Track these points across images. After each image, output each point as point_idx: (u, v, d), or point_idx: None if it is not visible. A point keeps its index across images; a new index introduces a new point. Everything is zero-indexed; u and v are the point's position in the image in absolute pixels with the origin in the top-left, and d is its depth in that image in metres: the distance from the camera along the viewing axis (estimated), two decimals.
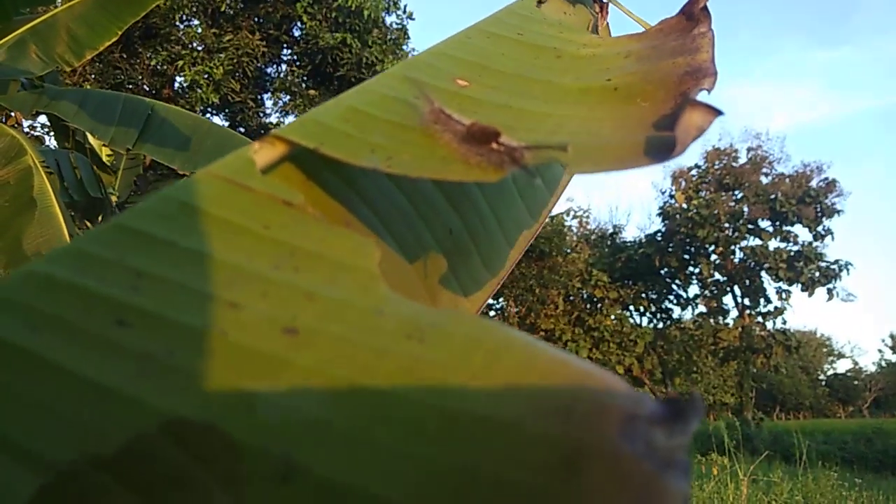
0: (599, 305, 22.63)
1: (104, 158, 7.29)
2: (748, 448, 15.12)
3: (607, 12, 0.86)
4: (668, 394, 0.33)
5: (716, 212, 24.06)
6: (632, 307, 24.27)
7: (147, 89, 13.39)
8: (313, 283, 0.39)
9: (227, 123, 14.21)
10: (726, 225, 24.61)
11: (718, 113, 0.46)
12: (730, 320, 24.87)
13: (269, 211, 0.43)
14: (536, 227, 0.72)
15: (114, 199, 7.15)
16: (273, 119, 16.13)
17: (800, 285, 23.75)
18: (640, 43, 0.66)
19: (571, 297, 22.44)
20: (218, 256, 0.40)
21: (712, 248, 24.46)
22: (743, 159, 25.41)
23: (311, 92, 14.27)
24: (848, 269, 23.78)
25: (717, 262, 24.98)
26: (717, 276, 24.98)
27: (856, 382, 46.77)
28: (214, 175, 0.45)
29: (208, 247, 0.40)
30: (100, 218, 6.10)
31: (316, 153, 0.47)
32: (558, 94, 0.58)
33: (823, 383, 45.89)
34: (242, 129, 14.36)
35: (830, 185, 24.21)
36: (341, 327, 0.36)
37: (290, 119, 15.23)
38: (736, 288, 24.85)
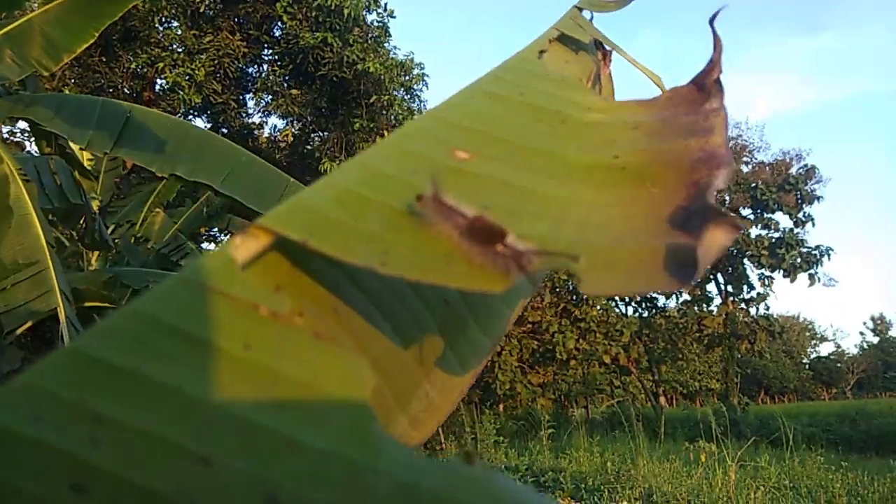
0: (585, 297, 22.71)
1: (85, 163, 7.25)
2: (735, 433, 15.28)
3: (610, 60, 0.83)
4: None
5: None
6: (617, 297, 24.37)
7: (127, 93, 13.29)
8: (296, 427, 0.34)
9: (209, 125, 14.13)
10: None
11: (741, 229, 0.43)
12: (714, 308, 25.06)
13: (251, 324, 0.39)
14: (537, 284, 0.68)
15: (96, 204, 7.11)
16: (255, 119, 16.05)
17: (782, 271, 23.97)
18: (649, 113, 0.62)
19: (557, 290, 22.51)
20: (189, 391, 0.35)
21: None
22: None
23: (294, 92, 14.22)
24: (829, 255, 24.04)
25: None
26: None
27: (839, 365, 47.31)
28: (188, 280, 0.40)
29: (178, 378, 0.35)
30: (81, 222, 6.07)
31: (304, 247, 0.42)
32: (562, 168, 0.55)
33: (807, 367, 46.38)
34: (225, 130, 14.31)
35: (810, 171, 24.42)
36: (329, 493, 0.32)
37: (273, 119, 15.09)
38: (719, 276, 25.04)
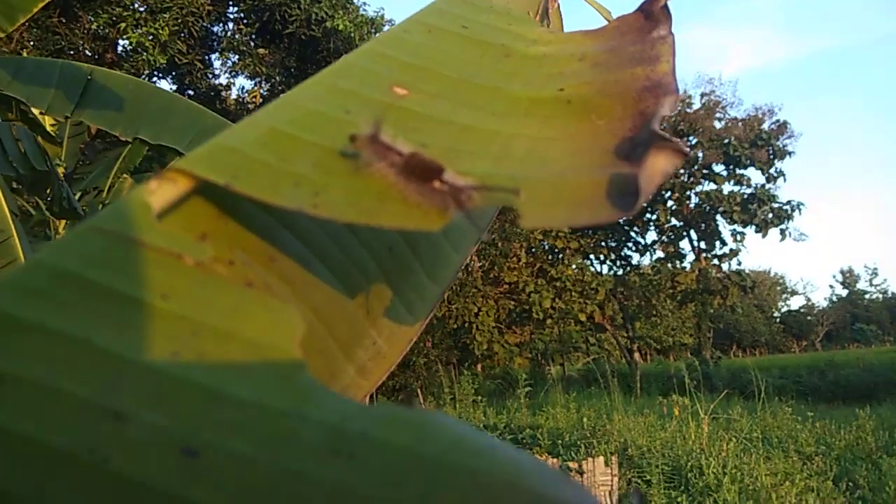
0: (561, 256, 22.85)
1: (48, 128, 7.06)
2: (707, 386, 15.61)
3: None
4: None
5: None
6: (592, 256, 24.56)
7: (89, 55, 12.88)
8: (220, 378, 0.32)
9: (175, 87, 13.80)
10: (682, 171, 24.93)
11: (685, 154, 0.41)
12: (687, 264, 25.39)
13: (169, 273, 0.36)
14: (484, 227, 0.66)
15: (61, 170, 6.94)
16: (223, 80, 15.71)
17: (754, 227, 24.30)
18: (596, 44, 0.60)
19: (533, 250, 22.62)
20: (99, 342, 0.32)
21: (668, 194, 24.78)
22: (697, 105, 25.62)
23: (261, 51, 13.91)
24: (800, 209, 24.37)
25: (674, 207, 25.36)
26: (674, 221, 25.38)
27: (809, 318, 48.35)
28: (99, 229, 0.37)
29: (86, 329, 0.33)
30: (48, 191, 5.92)
31: (227, 190, 0.39)
32: (506, 104, 0.52)
33: (778, 320, 47.35)
34: (192, 92, 13.98)
35: (782, 127, 24.61)
36: (253, 444, 0.30)
37: (241, 80, 14.79)
38: (692, 232, 25.31)
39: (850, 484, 7.02)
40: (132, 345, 0.33)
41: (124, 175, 8.04)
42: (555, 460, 6.50)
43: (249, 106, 15.36)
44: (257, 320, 0.35)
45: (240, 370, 0.33)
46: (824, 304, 52.40)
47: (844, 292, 51.05)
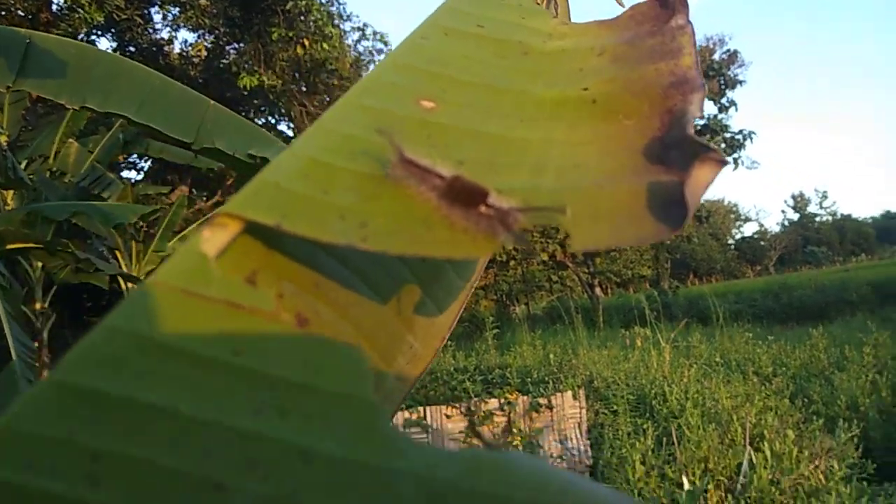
0: None
1: None
2: (667, 316, 16.03)
3: None
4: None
5: None
6: None
7: (22, 14, 12.22)
8: (306, 433, 0.32)
9: (114, 45, 13.24)
10: None
11: (725, 164, 0.41)
12: None
13: (236, 325, 0.36)
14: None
15: (4, 139, 6.68)
16: (164, 34, 15.12)
17: None
18: (612, 36, 0.59)
19: None
20: (185, 410, 0.32)
21: None
22: None
23: (202, 2, 13.39)
24: (751, 138, 24.77)
25: None
26: None
27: (762, 243, 49.60)
28: (164, 285, 0.37)
29: (172, 398, 0.33)
30: None
31: (278, 230, 0.39)
32: (532, 108, 0.52)
33: (732, 247, 48.47)
34: (133, 49, 13.45)
35: (732, 56, 24.78)
36: (353, 502, 0.30)
37: (184, 34, 14.23)
38: None
39: (806, 400, 7.36)
40: (216, 408, 0.33)
41: (70, 139, 7.78)
42: (525, 397, 6.67)
43: (194, 59, 14.84)
44: (331, 369, 0.35)
45: (324, 425, 0.33)
46: (777, 228, 53.76)
47: (796, 216, 52.39)
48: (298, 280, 0.42)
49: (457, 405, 6.49)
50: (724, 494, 5.40)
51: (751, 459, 5.50)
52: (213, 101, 5.06)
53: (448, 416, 6.44)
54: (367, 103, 0.50)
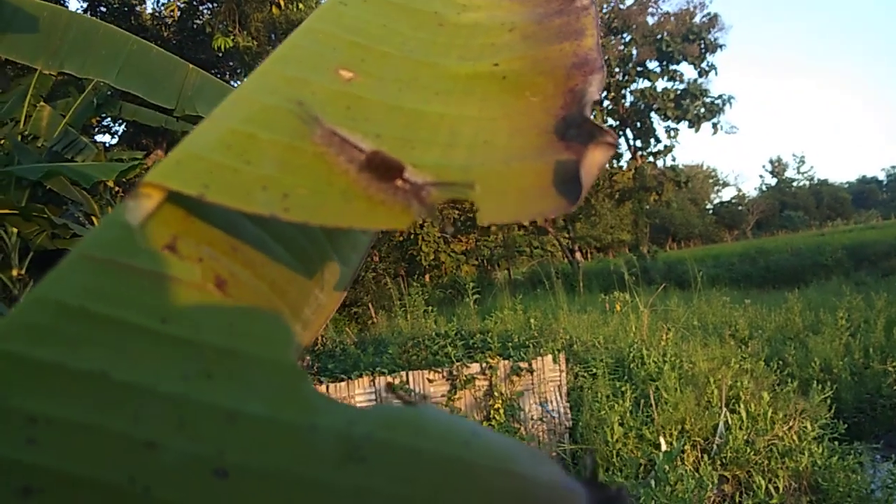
0: None
1: None
2: (646, 280, 16.19)
3: None
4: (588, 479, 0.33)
5: (606, 57, 24.22)
6: None
7: None
8: (232, 396, 0.34)
9: (85, 5, 12.87)
10: (616, 70, 24.91)
11: (617, 145, 0.44)
12: (623, 163, 25.78)
13: (163, 296, 0.37)
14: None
15: None
16: None
17: (687, 122, 24.70)
18: (524, 11, 0.61)
19: None
20: (117, 376, 0.34)
21: (605, 94, 24.83)
22: (630, 1, 25.36)
23: None
24: (730, 102, 24.81)
25: (610, 107, 25.48)
26: (611, 121, 25.57)
27: (740, 208, 50.08)
28: (89, 257, 0.38)
29: (103, 363, 0.34)
30: None
31: (201, 201, 0.40)
32: (447, 81, 0.54)
33: (711, 212, 48.92)
34: (104, 9, 13.09)
35: (713, 20, 24.66)
36: (275, 459, 0.32)
37: None
38: (628, 131, 25.59)
39: (781, 362, 7.50)
40: (146, 373, 0.34)
41: (41, 103, 7.59)
42: (506, 362, 6.73)
43: (167, 20, 14.47)
44: (254, 335, 0.37)
45: (248, 387, 0.35)
46: (754, 193, 54.20)
47: (774, 181, 52.83)
48: (216, 244, 0.43)
49: (439, 370, 6.54)
50: (700, 455, 5.51)
51: (726, 421, 5.61)
52: (192, 66, 4.96)
53: (430, 381, 6.48)
54: (287, 73, 0.51)
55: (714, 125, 25.10)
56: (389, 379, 6.29)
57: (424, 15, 0.61)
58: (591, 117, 0.47)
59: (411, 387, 6.35)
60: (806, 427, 5.38)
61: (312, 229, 0.54)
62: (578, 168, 0.42)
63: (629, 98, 25.50)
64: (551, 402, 6.67)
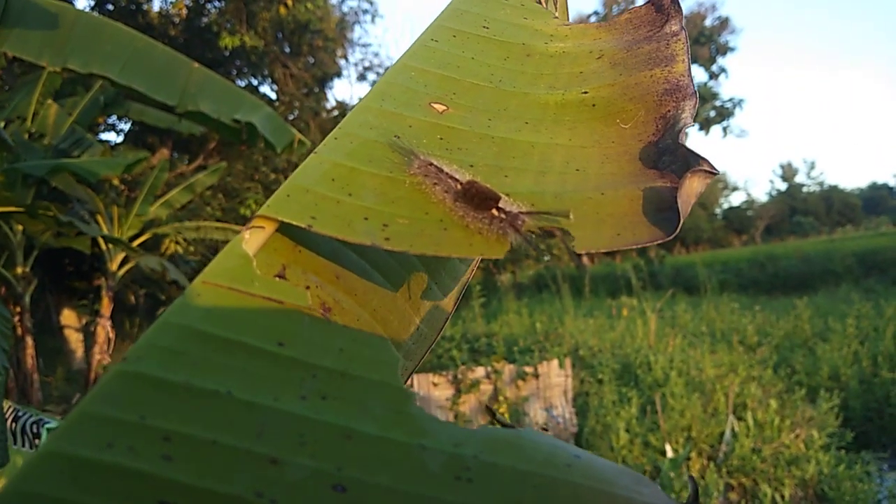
0: None
1: None
2: (653, 285, 16.12)
3: None
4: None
5: None
6: None
7: None
8: (346, 415, 0.37)
9: (92, 3, 12.85)
10: None
11: (716, 174, 0.44)
12: None
13: (279, 320, 0.40)
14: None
15: None
16: None
17: (697, 125, 24.60)
18: (611, 39, 0.61)
19: None
20: (239, 395, 0.36)
21: None
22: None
23: None
24: (741, 105, 24.71)
25: None
26: None
27: (749, 213, 49.82)
28: (211, 284, 0.41)
29: (227, 384, 0.37)
30: None
31: (309, 232, 0.43)
32: (536, 111, 0.55)
33: (720, 216, 48.71)
34: (111, 7, 13.06)
35: (724, 22, 24.58)
36: (389, 476, 0.34)
37: None
38: None
39: (789, 370, 7.44)
40: (266, 393, 0.37)
41: (48, 101, 7.59)
42: (511, 366, 6.68)
43: (174, 19, 14.48)
44: (363, 358, 0.39)
45: (361, 408, 0.37)
46: (764, 198, 53.98)
47: (784, 186, 52.62)
48: (321, 272, 0.46)
49: (443, 373, 6.50)
50: (706, 462, 5.45)
51: (733, 428, 5.55)
52: (196, 64, 4.94)
53: (435, 384, 6.44)
54: (384, 107, 0.53)
55: (724, 129, 25.00)
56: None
57: (512, 46, 0.62)
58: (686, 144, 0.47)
59: (416, 390, 6.30)
60: (813, 435, 5.32)
61: (411, 260, 0.56)
62: (675, 197, 0.42)
63: None
64: (556, 407, 6.62)
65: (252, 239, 0.43)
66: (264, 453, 0.34)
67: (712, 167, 0.44)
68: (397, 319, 0.52)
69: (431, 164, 0.46)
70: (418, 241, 0.43)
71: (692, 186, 0.43)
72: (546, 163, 0.50)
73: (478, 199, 0.44)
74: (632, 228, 0.43)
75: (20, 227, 7.07)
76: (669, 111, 0.51)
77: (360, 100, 0.55)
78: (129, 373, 0.37)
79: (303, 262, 0.45)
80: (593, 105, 0.55)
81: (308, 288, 0.43)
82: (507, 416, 6.33)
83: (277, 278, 0.43)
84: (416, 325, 0.55)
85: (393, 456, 0.35)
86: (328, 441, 0.35)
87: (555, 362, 6.76)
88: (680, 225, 0.41)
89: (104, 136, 13.66)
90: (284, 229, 0.45)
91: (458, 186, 0.45)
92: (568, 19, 0.75)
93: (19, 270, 7.33)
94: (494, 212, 0.43)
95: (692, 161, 0.44)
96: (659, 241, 0.41)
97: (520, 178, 0.48)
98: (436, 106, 0.54)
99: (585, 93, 0.56)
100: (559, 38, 0.64)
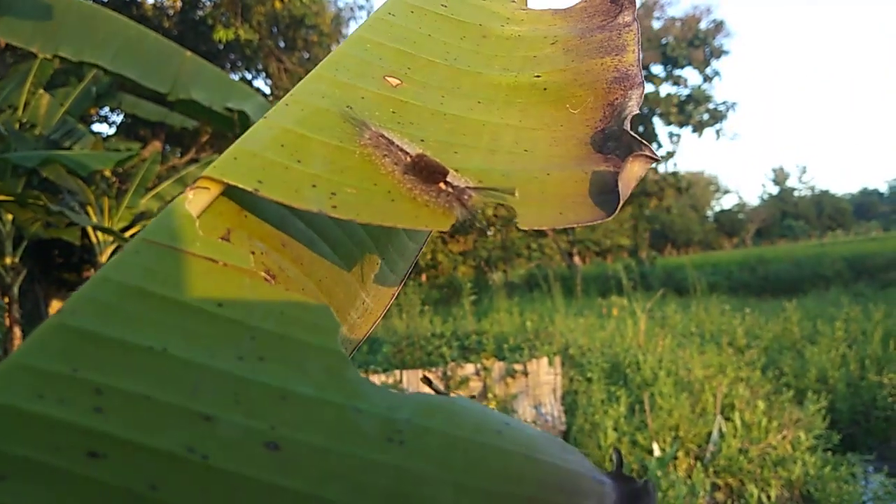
0: None
1: None
2: (644, 286, 16.16)
3: None
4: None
5: None
6: None
7: None
8: (282, 377, 0.36)
9: None
10: None
11: (657, 161, 0.45)
12: None
13: (219, 281, 0.40)
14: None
15: None
16: None
17: (690, 127, 24.67)
18: (566, 25, 0.62)
19: None
20: (175, 352, 0.36)
21: None
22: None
23: None
24: (734, 108, 24.80)
25: None
26: None
27: (740, 216, 50.00)
28: (151, 242, 0.41)
29: (163, 341, 0.37)
30: None
31: (255, 195, 0.43)
32: (489, 90, 0.56)
33: (711, 219, 48.86)
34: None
35: (719, 26, 24.63)
36: (322, 436, 0.34)
37: None
38: None
39: (777, 372, 7.47)
40: (202, 351, 0.37)
41: (40, 91, 7.54)
42: (500, 363, 6.68)
43: (169, 11, 14.39)
44: (303, 322, 0.39)
45: (298, 370, 0.37)
46: (756, 202, 54.16)
47: (776, 190, 52.81)
48: (267, 239, 0.46)
49: (433, 370, 6.50)
50: (693, 461, 5.47)
51: (721, 428, 5.57)
52: (189, 53, 4.91)
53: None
54: (338, 77, 0.54)
55: (717, 132, 25.08)
56: (384, 378, 6.24)
57: (469, 26, 0.63)
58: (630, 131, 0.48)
59: (405, 386, 6.31)
60: (800, 437, 5.34)
61: (359, 234, 0.56)
62: (616, 179, 0.44)
63: None
64: (545, 405, 6.63)
65: (196, 199, 0.43)
66: (198, 410, 0.35)
67: (653, 153, 0.45)
68: (343, 292, 0.53)
69: (382, 136, 0.47)
70: (366, 211, 0.43)
71: (633, 170, 0.44)
72: (496, 142, 0.51)
73: (426, 172, 0.44)
74: (574, 208, 0.44)
75: (10, 217, 7.02)
76: (617, 99, 0.52)
77: (314, 69, 0.55)
78: (63, 325, 0.37)
79: (248, 228, 0.45)
80: (545, 89, 0.56)
81: (253, 253, 0.43)
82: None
83: (221, 240, 0.43)
84: (362, 299, 0.55)
85: (327, 417, 0.35)
86: (263, 401, 0.36)
87: (544, 360, 6.76)
88: (619, 206, 0.43)
89: (96, 127, 13.58)
90: (230, 193, 0.45)
91: (408, 159, 0.45)
92: (526, 4, 0.76)
93: (8, 261, 7.28)
94: (442, 185, 0.44)
95: (635, 147, 0.46)
96: (598, 221, 0.43)
97: (469, 155, 0.49)
98: (390, 79, 0.55)
99: (538, 76, 0.57)
100: (515, 22, 0.65)
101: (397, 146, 0.46)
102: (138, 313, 0.38)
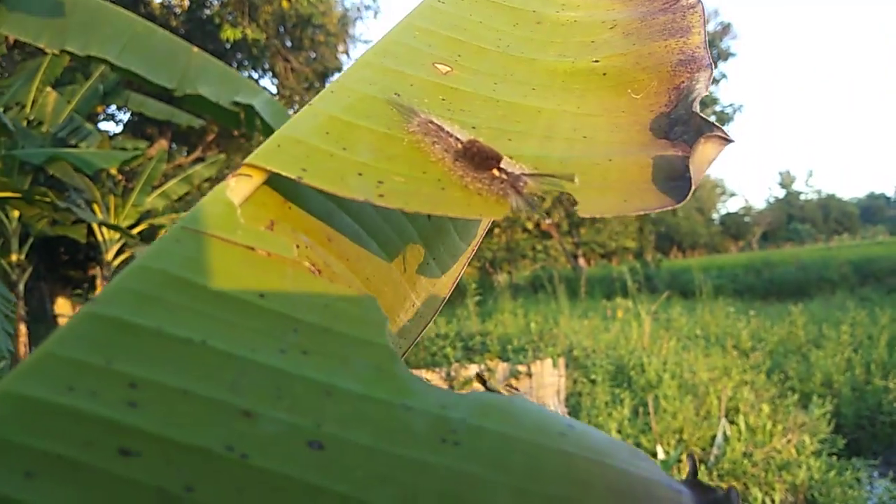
0: None
1: None
2: (649, 288, 16.12)
3: None
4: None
5: None
6: None
7: None
8: (327, 371, 0.35)
9: None
10: None
11: (730, 141, 0.42)
12: None
13: (261, 271, 0.38)
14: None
15: None
16: None
17: None
18: (624, 9, 0.61)
19: None
20: (215, 345, 0.35)
21: None
22: None
23: None
24: (740, 111, 24.74)
25: None
26: None
27: (746, 219, 49.87)
28: (190, 230, 0.39)
29: (202, 332, 0.35)
30: None
31: (299, 183, 0.41)
32: (544, 77, 0.54)
33: (717, 222, 48.73)
34: None
35: (726, 28, 24.59)
36: (369, 435, 0.33)
37: None
38: None
39: (782, 375, 7.44)
40: (242, 344, 0.35)
41: (48, 88, 7.57)
42: (504, 364, 6.67)
43: (176, 10, 14.42)
44: (349, 316, 0.38)
45: (343, 365, 0.35)
46: (762, 205, 54.02)
47: (782, 193, 52.65)
48: (312, 232, 0.44)
49: (436, 370, 6.49)
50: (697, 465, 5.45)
51: (725, 432, 5.55)
52: (196, 49, 4.92)
53: (428, 381, 6.44)
54: (386, 64, 0.52)
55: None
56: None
57: (522, 13, 0.61)
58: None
59: None
60: (805, 441, 5.32)
61: (408, 231, 0.54)
62: (687, 164, 0.41)
63: None
64: (549, 406, 6.62)
65: (238, 187, 0.41)
66: (237, 405, 0.33)
67: (726, 135, 0.42)
68: (392, 291, 0.51)
69: (432, 123, 0.45)
70: (414, 200, 0.41)
71: (705, 153, 0.42)
72: (552, 129, 0.48)
73: (478, 158, 0.42)
74: (640, 195, 0.41)
75: (16, 214, 7.04)
76: (683, 82, 0.50)
77: (361, 56, 0.54)
78: (98, 315, 0.35)
79: (292, 220, 0.43)
80: (604, 74, 0.54)
81: (297, 247, 0.41)
82: None
83: (265, 230, 0.41)
84: (412, 301, 0.53)
85: (375, 415, 0.33)
86: (307, 396, 0.34)
87: (548, 362, 6.75)
88: (691, 192, 0.40)
89: (103, 125, 13.62)
90: (274, 183, 0.43)
91: (459, 146, 0.43)
92: None
93: (14, 258, 7.31)
94: (495, 172, 0.42)
95: (705, 129, 0.43)
96: (668, 208, 0.40)
97: (524, 142, 0.47)
98: (440, 66, 0.53)
99: (596, 61, 0.55)
100: (571, 7, 0.63)
101: (448, 132, 0.44)
102: (176, 303, 0.36)
